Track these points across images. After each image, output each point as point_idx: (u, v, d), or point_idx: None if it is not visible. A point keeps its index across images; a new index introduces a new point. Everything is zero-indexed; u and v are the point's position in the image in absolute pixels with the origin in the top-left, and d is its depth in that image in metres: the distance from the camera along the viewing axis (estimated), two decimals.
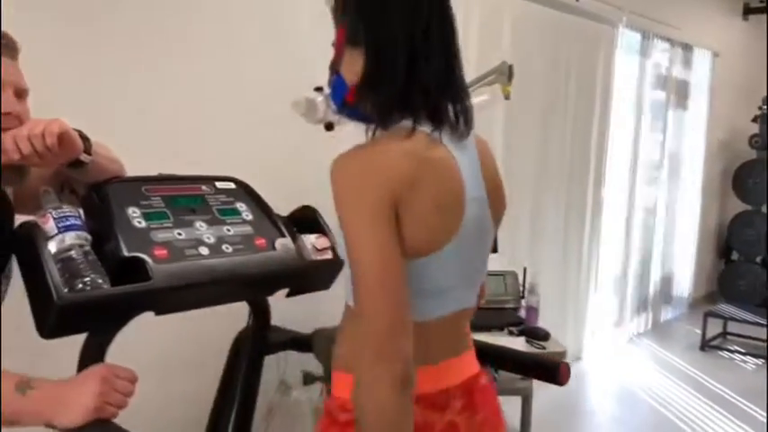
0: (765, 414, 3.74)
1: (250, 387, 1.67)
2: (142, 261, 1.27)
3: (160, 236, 1.35)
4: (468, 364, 1.23)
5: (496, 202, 1.19)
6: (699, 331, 5.10)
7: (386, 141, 1.08)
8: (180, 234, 1.38)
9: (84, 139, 1.28)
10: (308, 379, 2.20)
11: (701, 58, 5.76)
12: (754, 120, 6.04)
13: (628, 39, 4.71)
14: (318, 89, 1.32)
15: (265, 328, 1.63)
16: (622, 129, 4.86)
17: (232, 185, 1.58)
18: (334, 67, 1.17)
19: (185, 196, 1.48)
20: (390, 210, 1.01)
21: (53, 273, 1.17)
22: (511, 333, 2.18)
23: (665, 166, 5.52)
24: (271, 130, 2.48)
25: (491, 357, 1.25)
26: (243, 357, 1.84)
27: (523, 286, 2.37)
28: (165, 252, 1.32)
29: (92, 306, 1.20)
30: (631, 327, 5.25)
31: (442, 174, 1.07)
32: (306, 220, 1.66)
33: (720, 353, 4.94)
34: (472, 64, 3.32)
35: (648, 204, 5.39)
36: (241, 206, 1.54)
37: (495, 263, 3.50)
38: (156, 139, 2.15)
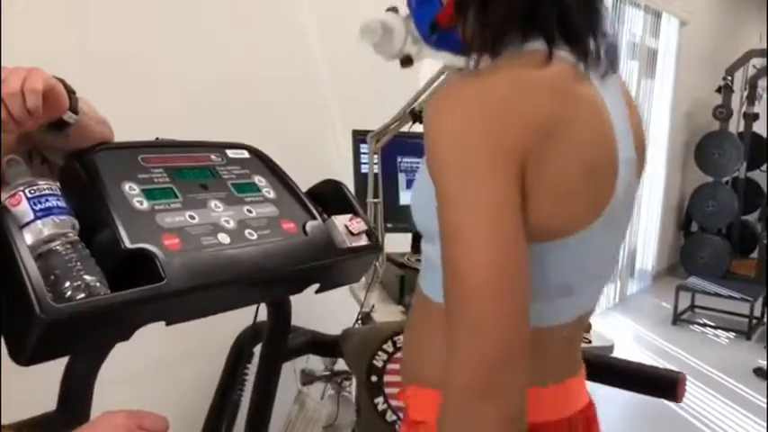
0: (766, 395, 3.65)
1: (264, 402, 1.36)
2: (150, 255, 0.95)
3: (168, 220, 1.03)
4: (585, 386, 0.96)
5: (641, 168, 0.91)
6: (666, 304, 5.05)
7: (513, 67, 0.76)
8: (193, 217, 1.06)
9: (70, 92, 0.94)
10: (307, 379, 1.90)
11: (669, 27, 5.63)
12: (718, 90, 5.99)
13: None
14: (392, 9, 1.01)
15: (286, 331, 1.33)
16: None
17: (245, 154, 1.27)
18: None
19: (193, 168, 1.15)
20: (519, 168, 0.71)
21: (32, 274, 0.84)
22: None
23: None
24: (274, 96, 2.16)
25: (594, 371, 0.99)
26: (243, 364, 1.54)
27: None
28: (176, 241, 1.00)
29: (88, 319, 0.87)
30: (601, 301, 5.13)
31: (593, 121, 0.78)
32: (330, 198, 1.35)
33: (692, 327, 4.87)
34: None
35: None
36: (260, 180, 1.23)
37: None
38: (146, 107, 1.81)
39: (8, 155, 0.95)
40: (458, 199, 0.71)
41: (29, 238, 0.88)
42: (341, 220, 1.29)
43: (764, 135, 6.39)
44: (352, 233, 1.28)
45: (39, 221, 0.89)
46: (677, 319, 4.87)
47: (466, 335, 0.71)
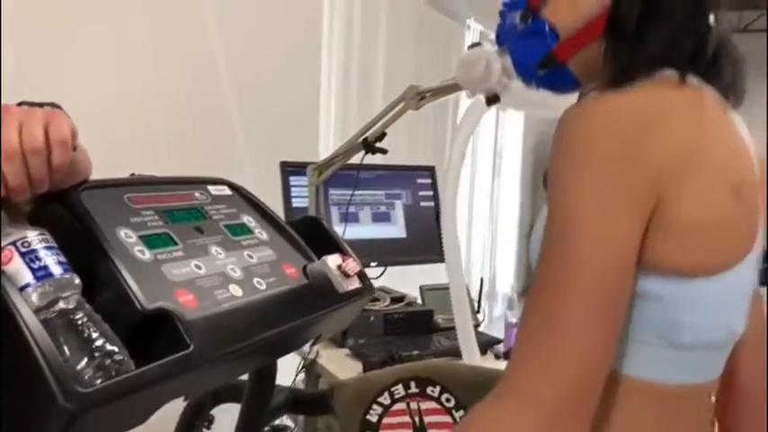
0: None
1: None
2: (171, 317, 0.78)
3: (175, 272, 0.86)
4: None
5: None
6: None
7: (650, 88, 0.73)
8: (199, 267, 0.90)
9: None
10: None
11: None
12: None
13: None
14: (477, 45, 0.94)
15: (271, 390, 1.17)
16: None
17: (227, 191, 1.11)
18: (531, 9, 0.81)
19: (182, 208, 0.99)
20: (651, 194, 0.67)
21: (47, 351, 0.65)
22: (497, 357, 1.90)
23: (494, 165, 5.63)
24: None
25: None
26: (199, 428, 1.35)
27: (479, 301, 2.10)
28: (191, 298, 0.84)
29: (117, 403, 0.69)
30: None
31: (736, 150, 0.74)
32: (308, 236, 1.22)
33: None
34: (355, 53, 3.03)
35: (479, 205, 5.44)
36: (249, 220, 1.08)
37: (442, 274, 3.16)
38: None
39: None
40: (577, 224, 0.67)
41: (31, 304, 0.69)
42: (333, 261, 1.16)
43: None
44: (346, 275, 1.16)
45: (39, 283, 0.70)
46: None
47: (551, 347, 0.66)
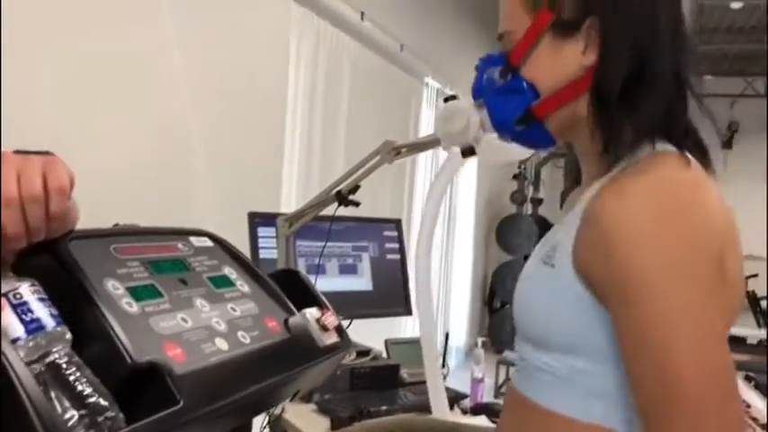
0: None
1: None
2: (160, 371, 0.77)
3: (163, 325, 0.85)
4: None
5: None
6: (487, 379, 5.25)
7: (677, 167, 0.76)
8: (185, 320, 0.89)
9: None
10: None
11: None
12: (515, 177, 6.57)
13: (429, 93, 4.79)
14: (451, 98, 0.96)
15: None
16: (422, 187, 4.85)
17: (208, 242, 1.11)
18: (511, 66, 0.84)
19: (167, 260, 0.98)
20: (720, 266, 0.70)
21: (40, 406, 0.64)
22: (464, 412, 1.89)
23: (446, 224, 5.69)
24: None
25: None
26: None
27: (444, 355, 2.10)
28: (179, 352, 0.83)
29: None
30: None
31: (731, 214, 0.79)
32: (289, 289, 1.21)
33: None
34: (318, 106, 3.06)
35: (433, 259, 5.47)
36: (230, 272, 1.08)
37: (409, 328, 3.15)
38: None
39: None
40: (667, 300, 0.67)
41: (24, 358, 0.67)
42: (312, 315, 1.16)
43: (548, 218, 7.09)
44: (325, 328, 1.15)
45: (30, 336, 0.69)
46: (498, 392, 5.09)
47: None
